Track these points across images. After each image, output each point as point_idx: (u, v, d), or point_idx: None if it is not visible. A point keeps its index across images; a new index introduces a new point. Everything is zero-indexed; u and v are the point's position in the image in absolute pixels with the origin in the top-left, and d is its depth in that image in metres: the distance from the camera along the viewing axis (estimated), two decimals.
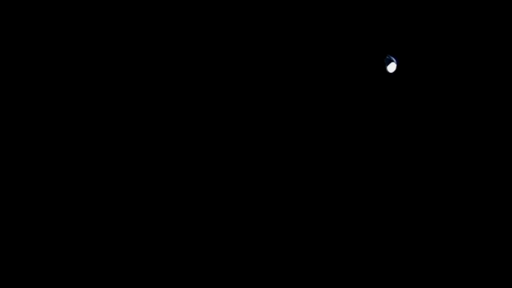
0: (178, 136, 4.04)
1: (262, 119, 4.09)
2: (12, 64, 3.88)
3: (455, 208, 4.04)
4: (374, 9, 4.05)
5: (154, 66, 4.03)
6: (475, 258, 3.95)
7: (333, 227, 4.05)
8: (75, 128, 3.95)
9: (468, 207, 4.03)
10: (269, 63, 4.09)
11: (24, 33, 3.88)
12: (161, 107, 4.04)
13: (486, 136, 4.07)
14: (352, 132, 4.11)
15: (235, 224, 4.01)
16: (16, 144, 3.87)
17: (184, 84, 4.06)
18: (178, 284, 3.90)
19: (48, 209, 3.86)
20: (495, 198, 4.01)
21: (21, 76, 3.89)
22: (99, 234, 3.90)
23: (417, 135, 4.12)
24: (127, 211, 3.95)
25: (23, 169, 3.87)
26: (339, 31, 4.07)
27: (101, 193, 3.94)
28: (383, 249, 4.02)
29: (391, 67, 4.04)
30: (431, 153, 4.11)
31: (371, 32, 4.07)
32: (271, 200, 4.06)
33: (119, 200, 3.96)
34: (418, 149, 4.11)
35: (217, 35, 4.06)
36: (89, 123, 3.96)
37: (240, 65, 4.09)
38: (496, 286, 3.88)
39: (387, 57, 4.01)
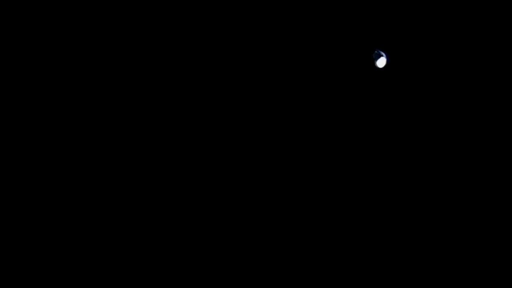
0: (178, 136, 4.06)
1: (251, 115, 4.10)
2: (12, 64, 3.88)
3: (443, 204, 4.05)
4: (363, 4, 4.06)
5: (154, 66, 4.04)
6: (474, 258, 3.96)
7: (327, 225, 4.06)
8: (75, 128, 3.96)
9: (457, 203, 4.05)
10: (257, 59, 4.09)
11: (24, 33, 3.89)
12: (161, 107, 4.05)
13: (476, 131, 4.08)
14: (342, 127, 4.12)
15: (235, 224, 4.03)
16: (16, 144, 3.88)
17: (184, 84, 4.07)
18: (178, 284, 3.92)
19: (48, 209, 3.88)
20: (483, 193, 4.02)
21: (21, 76, 3.90)
22: (99, 234, 3.91)
23: (408, 131, 4.13)
24: (127, 211, 3.96)
25: (23, 169, 3.88)
26: (328, 26, 4.08)
27: (101, 193, 3.96)
28: (379, 248, 4.03)
29: (381, 62, 4.03)
30: (422, 148, 4.12)
31: (360, 27, 4.07)
32: (265, 198, 4.07)
33: (119, 200, 3.97)
34: (409, 144, 4.12)
35: (211, 36, 4.07)
36: (89, 123, 3.98)
37: (232, 64, 4.10)
38: (496, 286, 3.90)
39: (376, 51, 4.01)
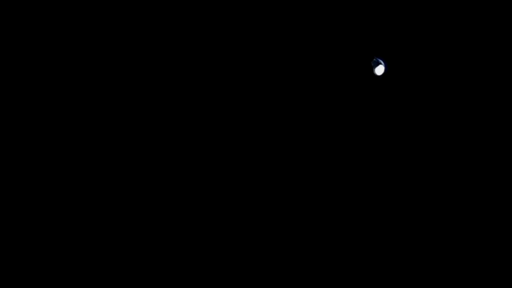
0: (178, 136, 4.07)
1: (250, 120, 4.11)
2: (12, 64, 3.89)
3: (440, 206, 4.07)
4: (361, 11, 4.08)
5: (154, 66, 4.05)
6: (474, 258, 3.98)
7: (323, 225, 4.08)
8: (75, 128, 3.97)
9: (453, 205, 4.07)
10: (258, 65, 4.11)
11: (24, 33, 3.90)
12: (161, 107, 4.06)
13: (473, 137, 4.10)
14: (340, 133, 4.14)
15: (235, 224, 4.04)
16: (16, 144, 3.89)
17: (184, 84, 4.08)
18: (178, 284, 3.93)
19: (48, 209, 3.89)
20: (477, 197, 4.04)
21: (21, 76, 3.91)
22: (99, 234, 3.92)
23: (406, 137, 4.15)
24: (127, 211, 3.97)
25: (23, 169, 3.89)
26: (327, 33, 4.10)
27: (100, 193, 3.96)
28: (376, 248, 4.05)
29: (379, 70, 4.05)
30: (420, 154, 4.14)
31: (358, 35, 4.10)
32: (262, 198, 4.09)
33: (119, 200, 3.98)
34: (406, 150, 4.14)
35: (209, 38, 4.08)
36: (89, 123, 3.99)
37: (234, 70, 4.12)
38: (496, 286, 3.91)
39: (375, 59, 4.03)
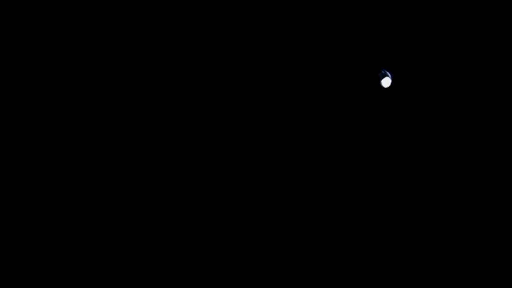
0: (178, 136, 4.08)
1: (254, 128, 4.13)
2: (12, 64, 3.88)
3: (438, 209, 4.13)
4: (369, 24, 4.12)
5: (154, 66, 4.05)
6: (474, 258, 4.02)
7: (326, 226, 4.10)
8: (75, 128, 3.97)
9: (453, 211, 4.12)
10: (264, 76, 4.13)
11: (24, 33, 3.88)
12: (161, 107, 4.06)
13: (477, 149, 4.16)
14: (346, 143, 4.17)
15: (234, 224, 4.05)
16: (16, 144, 3.89)
17: (184, 84, 4.09)
18: (178, 284, 3.94)
19: (48, 209, 3.89)
20: (475, 208, 4.10)
21: (21, 76, 3.90)
22: (99, 234, 3.92)
23: (411, 149, 4.19)
24: (127, 211, 3.98)
25: (23, 169, 3.88)
26: (334, 45, 4.13)
27: (101, 193, 3.97)
28: (378, 248, 4.08)
29: (386, 82, 4.09)
30: (424, 164, 4.18)
31: (366, 47, 4.13)
32: (262, 199, 4.11)
33: (119, 200, 3.98)
34: (412, 162, 4.19)
35: (210, 38, 4.10)
36: (89, 123, 3.99)
37: (241, 75, 4.14)
38: (496, 286, 3.95)
39: (382, 71, 4.07)
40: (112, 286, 3.87)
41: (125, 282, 3.89)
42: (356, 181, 4.16)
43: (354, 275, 4.03)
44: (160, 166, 4.06)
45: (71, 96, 3.96)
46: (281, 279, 4.01)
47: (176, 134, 4.07)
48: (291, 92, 4.14)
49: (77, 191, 3.94)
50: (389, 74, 4.08)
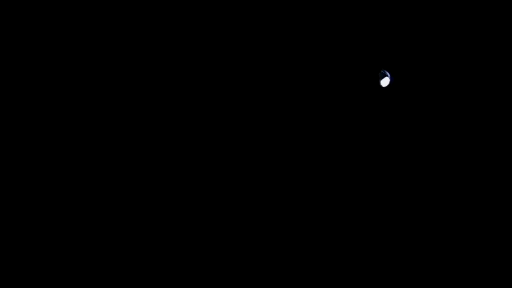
0: (178, 136, 4.06)
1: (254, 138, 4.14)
2: (12, 64, 3.89)
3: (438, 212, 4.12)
4: (368, 24, 4.12)
5: (154, 66, 4.05)
6: (474, 258, 4.00)
7: (324, 225, 4.10)
8: (75, 128, 3.96)
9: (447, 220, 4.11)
10: (263, 75, 4.14)
11: (24, 33, 3.89)
12: (161, 107, 4.06)
13: (478, 151, 4.15)
14: (345, 145, 4.17)
15: (234, 224, 4.04)
16: (16, 144, 3.88)
17: (184, 85, 4.08)
18: (178, 284, 3.93)
19: (48, 209, 3.87)
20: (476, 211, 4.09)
21: (21, 76, 3.90)
22: (99, 234, 3.91)
23: (410, 150, 4.19)
24: (127, 211, 3.96)
25: (23, 169, 3.87)
26: (333, 45, 4.13)
27: (101, 193, 3.95)
28: (378, 249, 4.07)
29: (385, 82, 4.09)
30: (423, 167, 4.18)
31: (365, 47, 4.13)
32: (263, 201, 4.11)
33: (119, 200, 3.97)
34: (411, 164, 4.18)
35: (210, 38, 4.09)
36: (89, 123, 3.98)
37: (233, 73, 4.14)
38: (496, 286, 3.93)
39: (382, 71, 4.07)
40: (112, 286, 3.87)
41: (125, 282, 3.88)
42: (355, 180, 4.16)
43: (354, 275, 4.02)
44: (160, 166, 4.06)
45: (71, 96, 3.97)
46: (281, 279, 4.00)
47: (176, 134, 4.07)
48: (290, 91, 4.15)
49: (77, 191, 3.93)
50: (388, 74, 4.08)
